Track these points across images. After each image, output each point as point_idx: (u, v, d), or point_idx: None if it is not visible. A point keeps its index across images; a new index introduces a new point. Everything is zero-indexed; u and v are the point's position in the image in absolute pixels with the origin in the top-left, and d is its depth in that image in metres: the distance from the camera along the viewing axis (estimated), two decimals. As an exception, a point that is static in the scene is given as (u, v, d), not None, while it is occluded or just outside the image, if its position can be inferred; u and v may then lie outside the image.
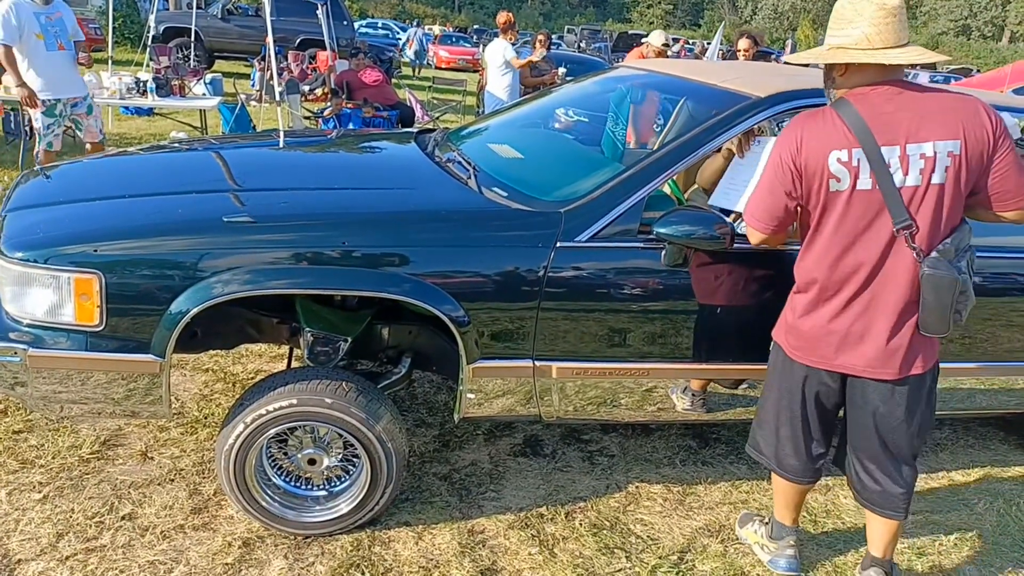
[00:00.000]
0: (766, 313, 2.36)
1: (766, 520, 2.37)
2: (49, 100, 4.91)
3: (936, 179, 1.77)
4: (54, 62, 4.85)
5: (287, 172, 2.72)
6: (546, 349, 2.24)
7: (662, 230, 2.16)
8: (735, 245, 2.20)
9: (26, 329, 2.02)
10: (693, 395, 2.45)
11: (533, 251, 2.18)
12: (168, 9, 15.56)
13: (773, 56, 17.33)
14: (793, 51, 15.40)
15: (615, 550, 2.36)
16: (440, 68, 22.10)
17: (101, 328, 1.98)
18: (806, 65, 2.57)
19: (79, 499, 2.35)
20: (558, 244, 2.18)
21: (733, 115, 2.36)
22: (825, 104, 2.01)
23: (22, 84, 4.76)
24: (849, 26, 1.82)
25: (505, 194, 2.37)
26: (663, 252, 2.22)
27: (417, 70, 21.22)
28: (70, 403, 2.12)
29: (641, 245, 2.23)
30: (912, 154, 1.76)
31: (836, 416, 2.10)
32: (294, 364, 2.88)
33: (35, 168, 2.61)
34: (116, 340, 2.00)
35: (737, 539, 2.45)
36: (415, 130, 3.65)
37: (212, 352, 3.20)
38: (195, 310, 1.98)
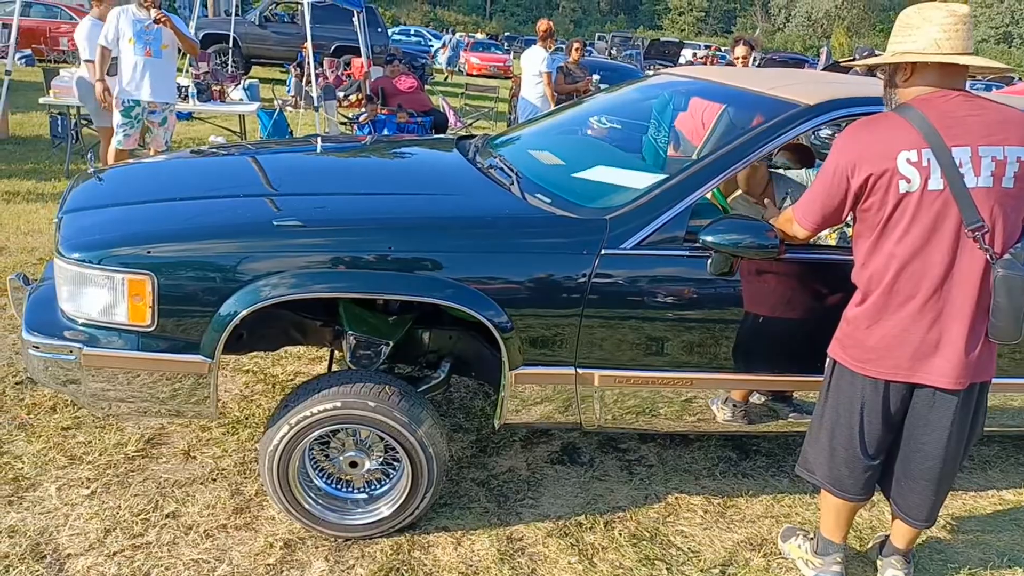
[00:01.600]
0: (814, 324, 2.32)
1: (811, 535, 2.33)
2: (128, 101, 5.17)
3: (1006, 183, 1.77)
4: (139, 67, 5.10)
5: (332, 177, 2.75)
6: (589, 357, 2.22)
7: (709, 238, 2.14)
8: (784, 255, 2.17)
9: (81, 328, 2.06)
10: (735, 406, 2.41)
11: (577, 258, 2.17)
12: (207, 16, 15.85)
13: (807, 64, 17.13)
14: (828, 59, 15.16)
15: (655, 561, 2.33)
16: (471, 75, 22.21)
17: (153, 328, 2.02)
18: (871, 72, 2.54)
19: (125, 496, 2.39)
20: (603, 251, 2.17)
21: (781, 123, 2.33)
22: (880, 111, 1.98)
23: (100, 79, 5.19)
24: (916, 32, 1.81)
25: (549, 200, 2.36)
26: (709, 260, 2.19)
27: (449, 75, 21.41)
28: (118, 401, 2.15)
29: (687, 253, 2.21)
30: (984, 156, 1.75)
31: (897, 429, 2.04)
32: (334, 367, 2.89)
33: (87, 171, 2.66)
34: (167, 340, 2.03)
35: (780, 554, 2.41)
36: (456, 136, 3.67)
37: (252, 353, 3.24)
38: (244, 312, 2.01)
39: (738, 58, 5.85)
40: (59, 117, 7.01)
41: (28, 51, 13.77)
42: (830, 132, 5.32)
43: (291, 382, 3.19)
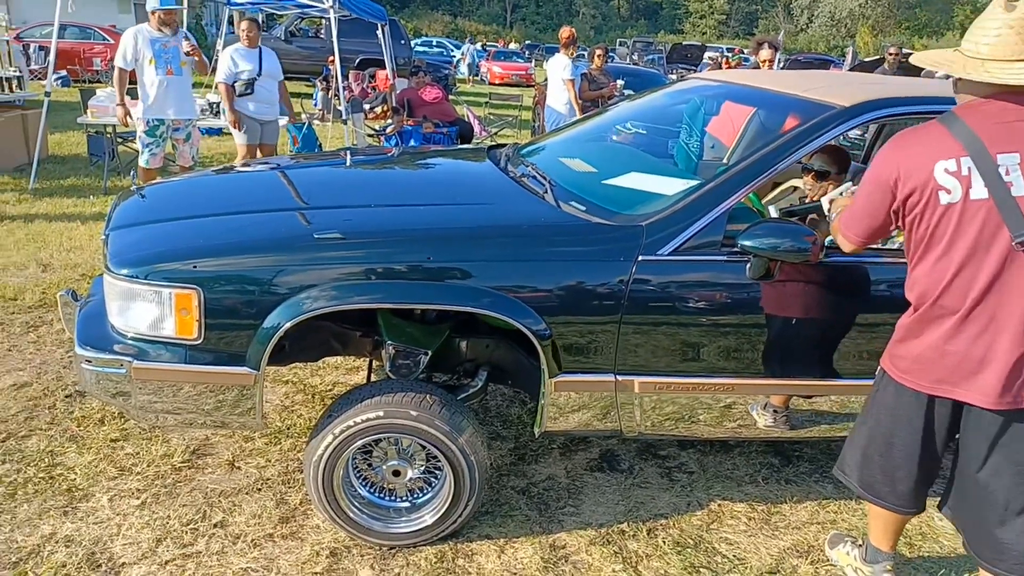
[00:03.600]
0: (855, 328, 2.30)
1: (859, 542, 2.29)
2: (152, 120, 5.27)
3: None
4: (161, 86, 5.21)
5: (368, 189, 2.78)
6: (628, 364, 2.22)
7: (747, 243, 2.13)
8: (823, 259, 2.16)
9: (130, 342, 2.11)
10: (775, 411, 2.39)
11: (615, 265, 2.17)
12: (234, 32, 16.15)
13: (833, 65, 16.93)
14: (855, 59, 14.95)
15: (701, 569, 2.31)
16: (494, 84, 22.33)
17: (200, 342, 2.06)
18: (917, 72, 2.50)
19: (174, 506, 2.43)
20: (640, 258, 2.17)
21: (818, 125, 2.31)
22: (920, 109, 1.94)
23: (121, 104, 5.30)
24: (978, 32, 1.73)
25: (583, 208, 2.37)
26: (748, 265, 2.18)
27: (469, 82, 21.56)
28: (166, 413, 2.20)
29: (725, 258, 2.20)
30: None
31: (944, 447, 1.94)
32: (373, 377, 2.92)
33: (131, 188, 2.73)
34: (213, 353, 2.07)
35: (828, 560, 2.38)
36: (486, 145, 3.69)
37: (292, 364, 3.28)
38: (288, 325, 2.04)
39: (763, 61, 5.80)
40: (96, 136, 7.19)
41: (64, 72, 14.16)
42: (859, 132, 5.26)
43: (330, 392, 3.23)
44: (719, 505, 2.64)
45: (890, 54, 9.60)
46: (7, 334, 3.60)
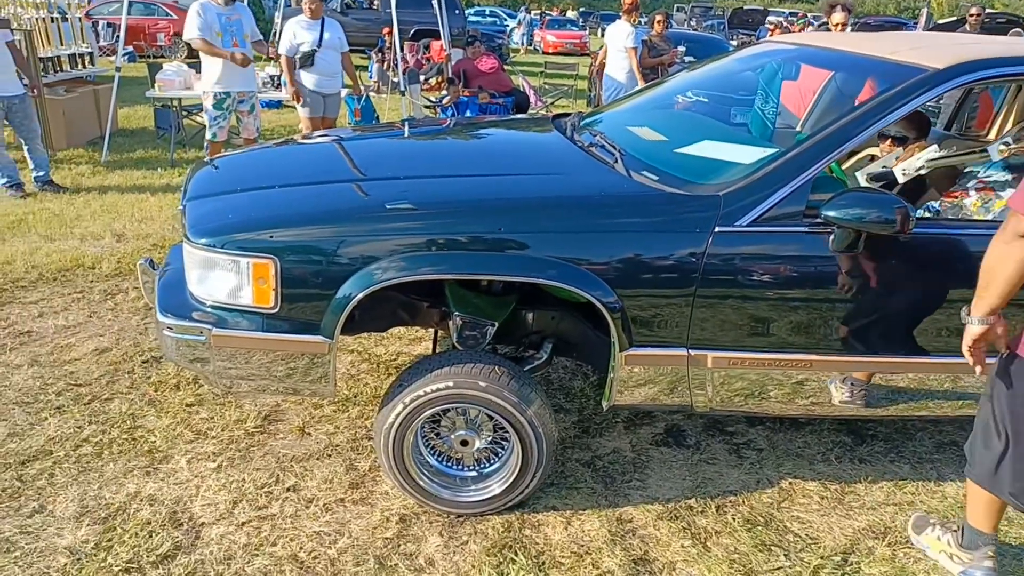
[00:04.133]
0: (945, 304, 2.19)
1: (954, 527, 2.18)
2: (219, 94, 5.36)
3: None
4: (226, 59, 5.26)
5: (437, 160, 2.77)
6: (701, 338, 2.17)
7: (831, 213, 2.04)
8: (913, 229, 2.05)
9: (209, 310, 2.16)
10: (853, 385, 2.30)
11: (690, 236, 2.11)
12: (291, 6, 16.29)
13: (905, 27, 16.10)
14: (929, 21, 14.16)
15: (772, 547, 2.27)
16: (547, 53, 22.01)
17: (277, 310, 2.09)
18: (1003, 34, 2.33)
19: (248, 470, 2.50)
20: (717, 229, 2.10)
21: (908, 89, 2.19)
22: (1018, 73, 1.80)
23: (230, 55, 5.24)
24: None
25: (656, 178, 2.30)
26: (831, 236, 2.09)
27: (524, 52, 21.34)
28: (240, 379, 2.25)
29: (807, 229, 2.11)
30: None
31: None
32: (438, 348, 2.94)
33: (203, 160, 2.78)
34: (289, 322, 2.10)
35: (907, 544, 2.30)
36: (547, 115, 3.63)
37: (359, 334, 3.32)
38: (360, 295, 2.05)
39: (836, 25, 5.52)
40: (163, 109, 7.38)
41: (130, 48, 14.54)
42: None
43: (394, 362, 3.27)
44: (790, 483, 2.58)
45: (972, 15, 9.04)
46: (87, 301, 3.75)
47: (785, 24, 13.95)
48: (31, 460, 2.49)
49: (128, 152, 7.11)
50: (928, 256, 2.18)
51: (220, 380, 2.26)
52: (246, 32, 5.39)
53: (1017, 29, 11.96)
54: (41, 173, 5.71)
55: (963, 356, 1.84)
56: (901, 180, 2.67)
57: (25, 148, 5.65)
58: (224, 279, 2.10)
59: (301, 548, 2.17)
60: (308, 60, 5.73)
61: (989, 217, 2.29)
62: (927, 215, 2.51)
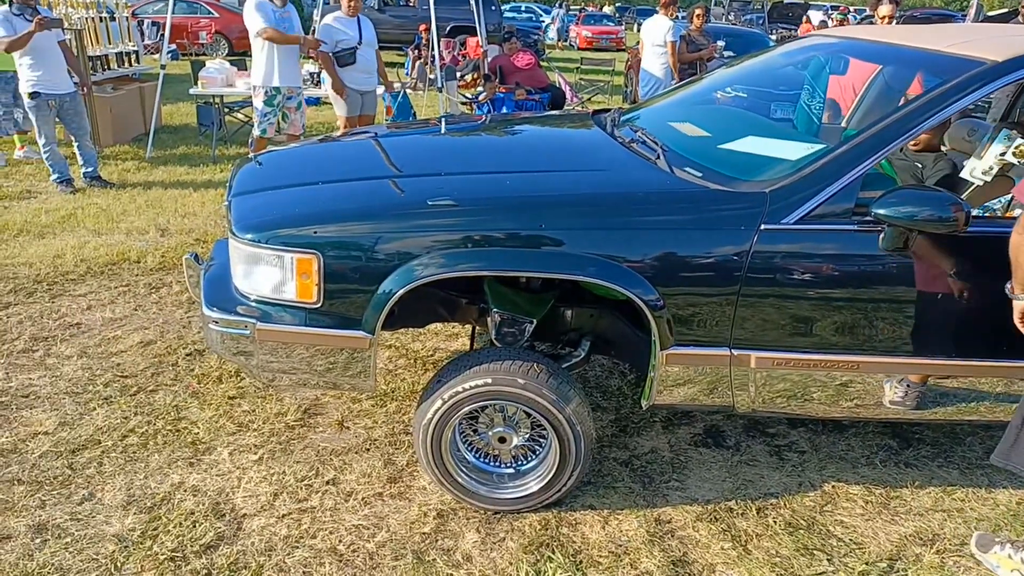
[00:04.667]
0: (999, 305, 2.12)
1: (1020, 542, 2.11)
2: (271, 90, 5.47)
3: None
4: (280, 54, 5.37)
5: (477, 156, 2.77)
6: (745, 337, 2.13)
7: (882, 211, 1.98)
8: (968, 228, 1.98)
9: (254, 304, 2.18)
10: (908, 387, 2.23)
11: (735, 233, 2.07)
12: (330, 3, 16.46)
13: (955, 20, 15.61)
14: (979, 13, 13.75)
15: (815, 551, 2.22)
16: (583, 48, 21.88)
17: (319, 305, 2.11)
18: None
19: (288, 462, 2.54)
20: (762, 226, 2.06)
21: (966, 83, 2.11)
22: None
23: (287, 37, 5.34)
24: None
25: (700, 174, 2.26)
26: (881, 235, 2.03)
27: (559, 47, 21.27)
28: (283, 373, 2.27)
29: (856, 228, 2.06)
30: None
31: None
32: (476, 345, 2.94)
33: (248, 156, 2.81)
34: (331, 317, 2.12)
35: (957, 551, 2.23)
36: (588, 110, 3.60)
37: (398, 330, 3.34)
38: (401, 291, 2.06)
39: (883, 18, 5.38)
40: (205, 106, 7.52)
41: (173, 46, 14.84)
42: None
43: (431, 358, 3.28)
44: (833, 487, 2.52)
45: None
46: (133, 294, 3.84)
47: (825, 18, 13.55)
48: (81, 449, 2.56)
49: (172, 148, 7.27)
50: (979, 256, 2.10)
51: (262, 373, 2.29)
52: (296, 30, 5.48)
53: None
54: (90, 169, 5.86)
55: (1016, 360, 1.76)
56: (976, 182, 2.56)
57: (75, 144, 5.81)
58: (269, 274, 2.13)
59: (340, 541, 2.20)
60: (351, 57, 5.74)
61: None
62: (978, 213, 2.42)
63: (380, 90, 6.58)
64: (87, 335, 3.37)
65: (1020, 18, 8.73)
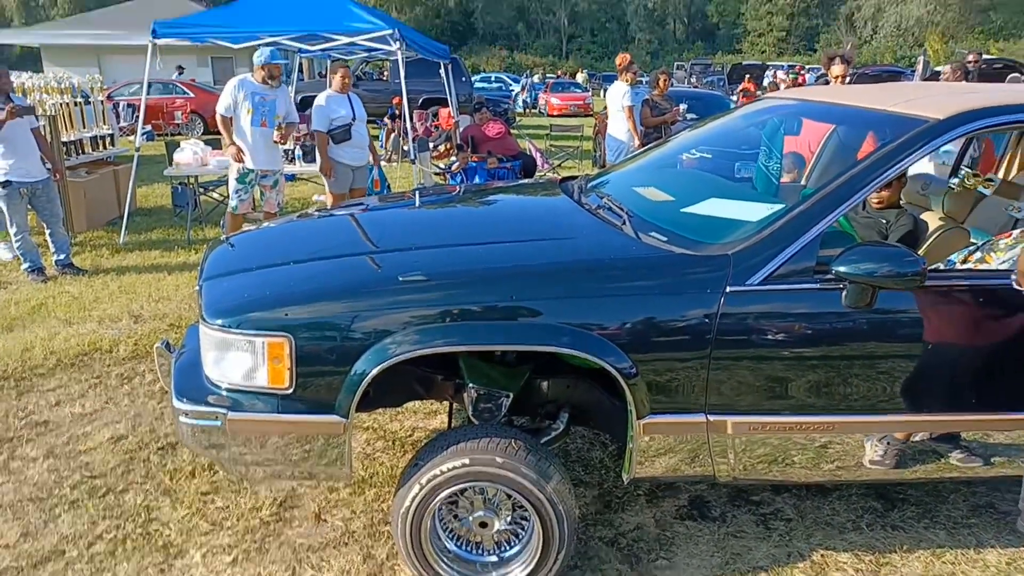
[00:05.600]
0: (970, 355, 2.14)
1: None
2: (243, 168, 5.54)
3: None
4: (254, 136, 5.47)
5: (447, 228, 2.79)
6: (720, 402, 2.11)
7: (843, 268, 2.01)
8: (927, 281, 2.01)
9: (225, 393, 2.13)
10: (888, 445, 2.22)
11: (702, 296, 2.08)
12: (304, 80, 16.83)
13: (903, 76, 16.27)
14: (927, 68, 14.34)
15: (810, 623, 2.16)
16: (552, 115, 22.46)
17: (291, 391, 2.07)
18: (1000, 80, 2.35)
19: (264, 563, 2.43)
20: (728, 288, 2.07)
21: (911, 141, 2.19)
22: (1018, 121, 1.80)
23: (231, 143, 5.49)
24: None
25: (665, 238, 2.29)
26: (844, 293, 2.05)
27: (527, 111, 21.84)
28: (255, 465, 2.20)
29: (819, 286, 2.08)
30: None
31: None
32: (454, 422, 2.89)
33: (220, 238, 2.80)
34: (304, 402, 2.07)
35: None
36: (552, 178, 3.67)
37: (374, 411, 3.29)
38: (375, 371, 2.03)
39: (836, 77, 5.59)
40: (180, 187, 7.56)
41: (148, 127, 15.03)
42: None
43: (410, 438, 3.22)
44: (822, 555, 2.47)
45: (969, 62, 9.15)
46: (104, 387, 3.75)
47: (775, 79, 14.04)
48: (44, 562, 2.43)
49: (146, 231, 7.25)
50: (942, 309, 2.13)
51: (235, 466, 2.23)
52: (279, 113, 5.55)
53: (1016, 75, 12.06)
54: (61, 256, 5.82)
55: (989, 413, 1.76)
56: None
57: (47, 232, 5.77)
58: (240, 360, 2.09)
59: (318, 642, 2.09)
60: (347, 135, 5.84)
61: (1000, 267, 2.24)
62: (941, 267, 2.47)
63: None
64: (55, 433, 3.27)
65: (967, 75, 9.13)
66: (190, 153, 7.36)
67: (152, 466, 3.00)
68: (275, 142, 5.56)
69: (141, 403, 3.57)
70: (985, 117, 2.21)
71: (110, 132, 8.80)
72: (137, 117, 7.85)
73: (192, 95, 16.76)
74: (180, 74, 17.55)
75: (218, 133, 5.72)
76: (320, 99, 5.87)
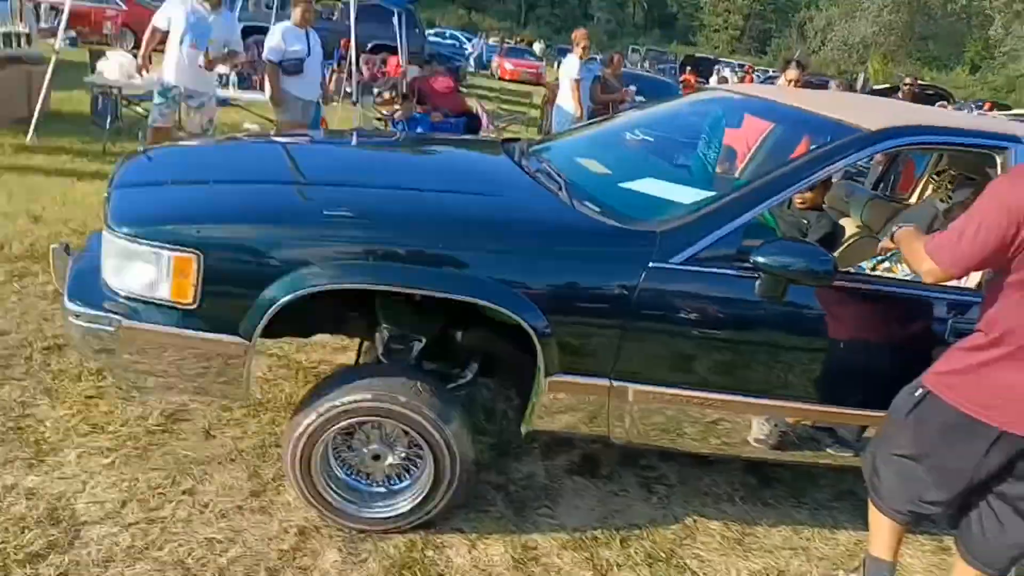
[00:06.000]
0: (864, 356, 2.28)
1: (855, 567, 2.28)
2: (167, 83, 5.27)
3: None
4: (181, 55, 5.22)
5: (382, 171, 2.74)
6: (626, 370, 2.18)
7: (760, 259, 2.09)
8: (836, 281, 2.12)
9: (122, 300, 2.04)
10: (773, 427, 2.35)
11: (625, 268, 2.13)
12: (248, 10, 16.00)
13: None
14: (865, 85, 15.00)
15: (672, 584, 2.28)
16: (504, 79, 22.24)
17: (194, 307, 1.99)
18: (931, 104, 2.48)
19: (143, 469, 2.37)
20: (651, 264, 2.12)
21: (843, 147, 2.29)
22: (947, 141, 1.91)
23: (143, 56, 5.47)
24: None
25: (598, 209, 2.32)
26: (758, 282, 2.14)
27: (477, 72, 21.68)
28: (147, 374, 2.14)
29: (737, 273, 2.16)
30: None
31: (990, 475, 1.94)
32: (363, 359, 2.86)
33: (138, 149, 2.66)
34: (207, 320, 2.01)
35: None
36: (499, 138, 3.65)
37: (280, 339, 3.21)
38: (286, 299, 1.98)
39: (790, 80, 5.74)
40: (100, 96, 7.06)
41: (73, 33, 13.94)
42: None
43: (314, 370, 3.17)
44: (694, 520, 2.61)
45: (906, 84, 9.64)
46: (-10, 282, 3.51)
47: (718, 78, 14.51)
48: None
49: (59, 137, 6.73)
50: (847, 309, 2.26)
51: (126, 374, 2.15)
52: (213, 37, 5.28)
53: (943, 102, 12.82)
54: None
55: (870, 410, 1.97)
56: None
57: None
58: (142, 271, 2.00)
59: (190, 555, 2.06)
60: (299, 67, 5.68)
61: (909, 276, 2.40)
62: (852, 271, 2.61)
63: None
64: (-71, 324, 3.04)
65: (900, 94, 9.62)
66: (115, 64, 6.89)
67: (35, 364, 2.84)
68: (200, 66, 5.29)
69: (30, 302, 3.36)
70: (912, 135, 2.34)
71: (26, 31, 8.14)
72: (59, 21, 7.28)
73: (124, 7, 15.67)
74: None
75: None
76: (276, 30, 5.71)
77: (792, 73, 5.60)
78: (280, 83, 5.69)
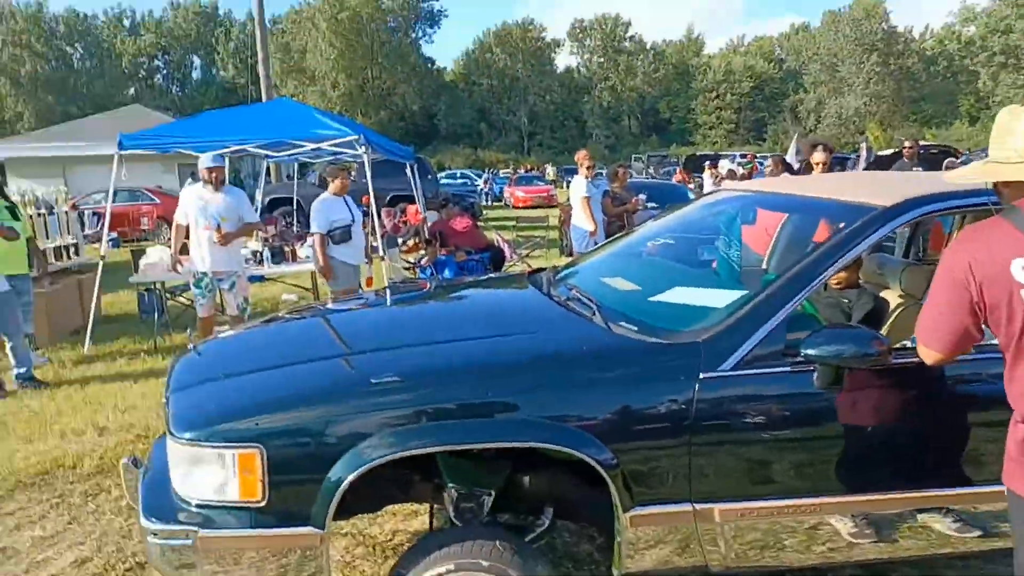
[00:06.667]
0: (940, 432, 2.19)
1: None
2: (197, 273, 5.64)
3: None
4: (201, 239, 5.59)
5: (417, 327, 2.81)
6: (705, 490, 2.11)
7: (811, 351, 2.06)
8: (893, 360, 2.08)
9: (195, 510, 2.07)
10: (877, 523, 2.20)
11: (676, 384, 2.11)
12: (271, 183, 17.07)
13: (847, 162, 17.20)
14: (870, 154, 15.23)
15: None
16: (517, 207, 23.05)
17: (264, 503, 2.01)
18: (939, 162, 2.52)
19: None
20: (702, 375, 2.11)
21: (864, 227, 2.30)
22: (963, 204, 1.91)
23: (174, 253, 5.94)
24: (1010, 138, 1.73)
25: (635, 328, 2.34)
26: (815, 374, 2.10)
27: (491, 204, 22.47)
28: (229, 582, 2.12)
29: (790, 369, 2.13)
30: None
31: None
32: (435, 523, 2.82)
33: (188, 347, 2.77)
34: (278, 515, 2.02)
35: None
36: (520, 270, 3.74)
37: (352, 517, 3.18)
38: (352, 476, 1.99)
39: (818, 163, 5.78)
40: (146, 293, 7.48)
41: (115, 234, 15.01)
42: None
43: (390, 542, 3.11)
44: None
45: (907, 148, 9.76)
46: (68, 505, 3.59)
47: (732, 165, 14.93)
48: None
49: (111, 340, 7.10)
50: (909, 385, 2.19)
51: (208, 586, 2.13)
52: (223, 216, 5.60)
53: (951, 159, 12.91)
54: (22, 370, 5.66)
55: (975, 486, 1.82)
56: None
57: (8, 345, 5.64)
58: (209, 474, 2.04)
59: None
60: (347, 235, 5.90)
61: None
62: (909, 344, 2.55)
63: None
64: (14, 561, 3.09)
65: (904, 159, 9.73)
66: (156, 258, 7.34)
67: (118, 589, 2.85)
68: (215, 243, 5.59)
69: (107, 521, 3.41)
70: (927, 204, 2.34)
71: (74, 242, 8.79)
72: (102, 225, 7.88)
73: (158, 201, 16.91)
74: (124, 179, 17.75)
75: (185, 238, 5.83)
76: (318, 202, 5.97)
77: (820, 155, 5.64)
78: (329, 252, 5.88)
